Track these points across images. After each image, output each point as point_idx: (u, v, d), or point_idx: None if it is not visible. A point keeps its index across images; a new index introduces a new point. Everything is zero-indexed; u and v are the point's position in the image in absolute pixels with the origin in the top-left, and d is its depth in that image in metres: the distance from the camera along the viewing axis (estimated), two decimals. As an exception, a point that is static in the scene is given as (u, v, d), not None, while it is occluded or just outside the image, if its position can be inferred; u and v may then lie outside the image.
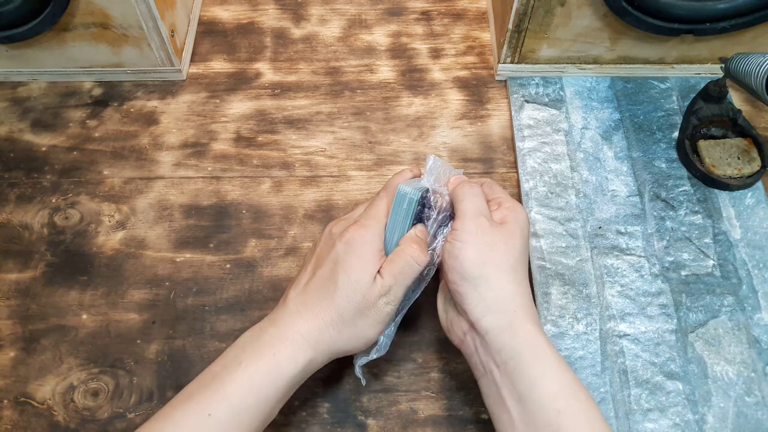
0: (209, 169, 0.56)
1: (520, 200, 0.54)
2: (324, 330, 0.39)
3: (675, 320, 0.48)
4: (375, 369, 0.47)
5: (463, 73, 0.62)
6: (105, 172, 0.56)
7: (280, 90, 0.61)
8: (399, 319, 0.43)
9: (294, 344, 0.39)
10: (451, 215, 0.44)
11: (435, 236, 0.44)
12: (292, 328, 0.39)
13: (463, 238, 0.40)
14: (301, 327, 0.39)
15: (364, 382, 0.44)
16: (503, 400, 0.37)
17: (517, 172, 0.55)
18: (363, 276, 0.40)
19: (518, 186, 0.55)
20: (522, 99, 0.59)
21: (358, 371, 0.43)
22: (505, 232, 0.40)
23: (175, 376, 0.47)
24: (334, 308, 0.40)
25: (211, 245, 0.52)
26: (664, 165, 0.55)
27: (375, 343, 0.42)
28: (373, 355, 0.43)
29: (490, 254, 0.39)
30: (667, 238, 0.51)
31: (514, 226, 0.41)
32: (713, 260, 0.50)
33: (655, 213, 0.53)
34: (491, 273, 0.39)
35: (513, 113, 0.58)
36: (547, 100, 0.59)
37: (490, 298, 0.38)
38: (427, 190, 0.44)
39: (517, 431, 0.36)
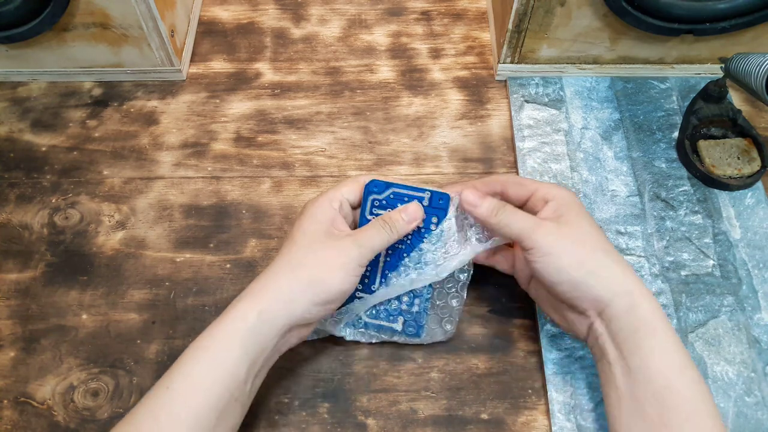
0: (209, 169, 0.56)
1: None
2: (277, 280, 0.39)
3: (675, 320, 0.48)
4: (375, 369, 0.47)
5: (463, 73, 0.62)
6: (105, 172, 0.56)
7: (280, 90, 0.61)
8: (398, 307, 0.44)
9: (243, 301, 0.39)
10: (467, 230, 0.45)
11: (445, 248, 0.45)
12: (246, 290, 0.40)
13: (546, 251, 0.39)
14: (254, 285, 0.40)
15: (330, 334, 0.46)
16: (614, 377, 0.38)
17: (517, 172, 0.55)
18: (316, 227, 0.41)
19: (518, 186, 0.55)
20: (522, 99, 0.59)
21: (326, 328, 0.45)
22: (571, 224, 0.40)
23: (175, 376, 0.47)
24: (289, 259, 0.40)
25: (211, 245, 0.52)
26: (664, 165, 0.55)
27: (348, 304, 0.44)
28: (344, 321, 0.45)
29: (579, 250, 0.39)
30: (667, 238, 0.51)
31: (572, 212, 0.41)
32: (713, 260, 0.50)
33: (655, 213, 0.53)
34: (593, 266, 0.39)
35: (513, 113, 0.58)
36: (547, 100, 0.59)
37: (606, 286, 0.38)
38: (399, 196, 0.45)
39: (623, 406, 0.37)
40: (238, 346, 0.38)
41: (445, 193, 0.44)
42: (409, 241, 0.45)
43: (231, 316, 0.38)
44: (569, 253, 0.39)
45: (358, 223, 0.45)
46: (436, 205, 0.44)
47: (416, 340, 0.46)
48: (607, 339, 0.38)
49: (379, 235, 0.41)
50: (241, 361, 0.38)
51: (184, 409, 0.36)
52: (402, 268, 0.44)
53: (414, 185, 0.45)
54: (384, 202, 0.44)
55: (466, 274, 0.45)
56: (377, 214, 0.44)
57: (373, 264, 0.45)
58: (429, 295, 0.45)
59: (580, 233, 0.40)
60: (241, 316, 0.38)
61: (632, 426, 0.36)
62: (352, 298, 0.45)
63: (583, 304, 0.39)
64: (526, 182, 0.44)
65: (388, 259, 0.45)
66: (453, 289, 0.46)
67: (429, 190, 0.44)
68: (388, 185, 0.44)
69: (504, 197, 0.45)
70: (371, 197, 0.44)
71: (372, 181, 0.44)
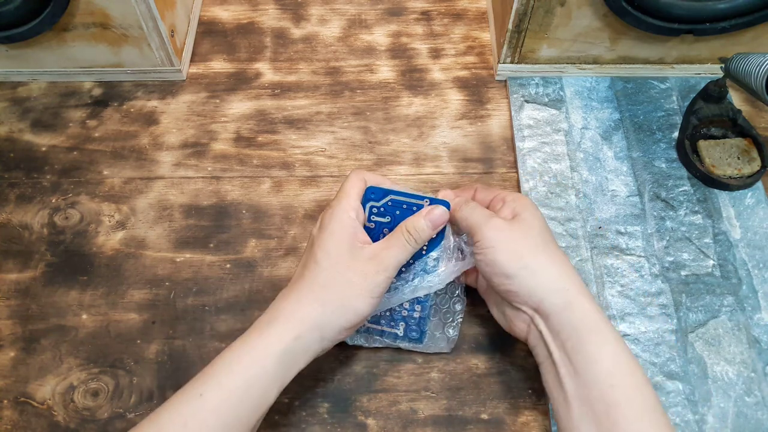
0: (209, 169, 0.56)
1: (520, 200, 0.54)
2: (308, 304, 0.39)
3: (675, 320, 0.48)
4: (375, 369, 0.47)
5: (463, 73, 0.62)
6: (105, 172, 0.56)
7: (280, 90, 0.61)
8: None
9: (278, 323, 0.39)
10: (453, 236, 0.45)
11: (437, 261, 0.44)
12: (276, 311, 0.40)
13: (488, 244, 0.40)
14: (285, 306, 0.40)
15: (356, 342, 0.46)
16: (560, 379, 0.38)
17: (517, 172, 0.55)
18: (338, 245, 0.41)
19: (518, 186, 0.55)
20: (522, 99, 0.59)
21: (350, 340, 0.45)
22: (522, 222, 0.41)
23: (175, 377, 0.47)
24: (314, 282, 0.40)
25: (211, 245, 0.52)
26: (664, 165, 0.55)
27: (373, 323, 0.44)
28: (360, 338, 0.45)
29: (520, 245, 0.40)
30: (667, 238, 0.51)
31: (526, 213, 0.42)
32: (713, 260, 0.50)
33: (655, 213, 0.53)
34: (530, 261, 0.40)
35: (513, 113, 0.58)
36: (547, 100, 0.59)
37: (540, 282, 0.39)
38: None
39: (571, 407, 0.37)
40: (273, 366, 0.38)
41: (444, 201, 0.44)
42: None
43: (268, 335, 0.39)
44: (509, 248, 0.40)
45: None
46: None
47: (418, 347, 0.46)
48: (549, 337, 0.39)
49: (404, 251, 0.42)
50: (274, 381, 0.38)
51: (213, 418, 0.36)
52: (404, 275, 0.44)
53: (411, 191, 0.44)
54: (382, 209, 0.44)
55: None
56: (377, 222, 0.44)
57: None
58: (431, 302, 0.45)
59: (527, 232, 0.41)
60: (279, 337, 0.38)
61: (582, 428, 0.36)
62: None
63: (517, 299, 0.40)
64: (492, 188, 0.46)
65: None
66: (456, 293, 0.46)
67: (427, 198, 0.44)
68: (386, 192, 0.44)
69: (475, 200, 0.46)
70: (369, 204, 0.44)
71: (369, 188, 0.44)
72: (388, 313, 0.45)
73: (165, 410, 0.37)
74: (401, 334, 0.46)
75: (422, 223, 0.42)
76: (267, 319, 0.40)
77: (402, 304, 0.45)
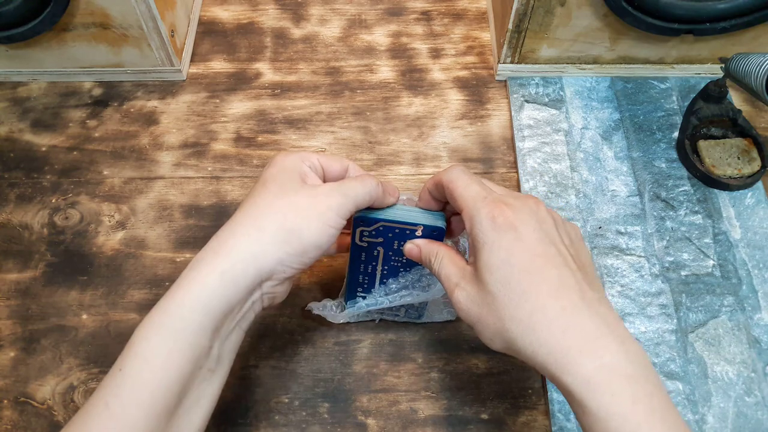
0: (209, 169, 0.56)
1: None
2: (242, 234, 0.34)
3: (675, 320, 0.48)
4: (375, 369, 0.47)
5: (463, 73, 0.62)
6: (105, 172, 0.56)
7: (280, 90, 0.61)
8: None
9: (202, 263, 0.34)
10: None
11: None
12: (202, 251, 0.35)
13: (464, 318, 0.34)
14: (211, 245, 0.35)
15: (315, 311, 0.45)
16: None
17: (517, 172, 0.55)
18: (290, 175, 0.36)
19: (518, 186, 0.55)
20: (522, 99, 0.59)
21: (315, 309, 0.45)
22: (480, 278, 0.33)
23: (175, 376, 0.47)
24: (253, 207, 0.35)
25: (211, 245, 0.52)
26: (664, 165, 0.55)
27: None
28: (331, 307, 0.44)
29: (494, 317, 0.32)
30: (667, 238, 0.51)
31: (481, 258, 0.33)
32: (713, 260, 0.50)
33: (655, 213, 0.53)
34: (508, 339, 0.32)
35: (513, 113, 0.58)
36: (547, 100, 0.59)
37: (534, 352, 0.31)
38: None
39: None
40: (198, 316, 0.33)
41: (439, 227, 0.40)
42: (405, 260, 0.42)
43: (187, 283, 0.33)
44: (486, 324, 0.33)
45: (350, 250, 0.43)
46: (430, 237, 0.41)
47: (417, 321, 0.47)
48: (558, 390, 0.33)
49: (362, 186, 0.37)
50: (202, 331, 0.33)
51: (139, 392, 0.32)
52: (401, 277, 0.43)
53: (403, 212, 0.41)
54: (373, 232, 0.41)
55: None
56: (369, 242, 0.42)
57: (371, 273, 0.44)
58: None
59: (490, 293, 0.32)
60: (200, 280, 0.33)
61: None
62: (354, 296, 0.45)
63: (519, 356, 0.33)
64: (457, 192, 0.36)
65: (385, 270, 0.43)
66: None
67: (420, 224, 0.40)
68: (376, 220, 0.40)
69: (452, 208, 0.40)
70: (359, 228, 0.41)
71: (358, 217, 0.40)
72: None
73: (91, 397, 0.33)
74: (402, 315, 0.47)
75: (386, 181, 0.39)
76: (192, 265, 0.34)
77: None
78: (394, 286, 0.44)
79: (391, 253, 0.42)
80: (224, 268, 0.34)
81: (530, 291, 0.31)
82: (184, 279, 0.34)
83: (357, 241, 0.42)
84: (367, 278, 0.44)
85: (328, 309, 0.45)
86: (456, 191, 0.36)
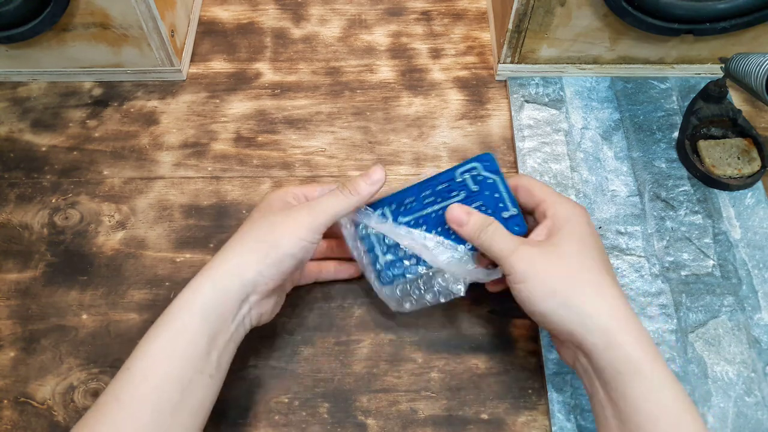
0: (209, 169, 0.56)
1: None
2: (230, 253, 0.40)
3: (675, 320, 0.48)
4: (375, 369, 0.47)
5: (463, 73, 0.62)
6: (105, 172, 0.56)
7: (280, 90, 0.61)
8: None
9: (197, 278, 0.39)
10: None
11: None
12: (199, 271, 0.40)
13: (518, 279, 0.38)
14: (207, 265, 0.40)
15: None
16: (606, 420, 0.36)
17: (517, 172, 0.55)
18: (273, 204, 0.42)
19: (518, 186, 0.55)
20: (522, 99, 0.59)
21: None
22: (557, 245, 0.38)
23: (175, 376, 0.47)
24: (240, 233, 0.41)
25: (211, 245, 0.52)
26: (664, 165, 0.55)
27: None
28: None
29: (554, 278, 0.37)
30: (667, 238, 0.51)
31: (565, 229, 0.39)
32: (713, 260, 0.50)
33: (655, 213, 0.53)
34: (566, 296, 0.36)
35: (513, 113, 0.58)
36: (547, 100, 0.59)
37: (579, 321, 0.36)
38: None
39: None
40: (196, 319, 0.38)
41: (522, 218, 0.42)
42: (439, 200, 0.44)
43: (184, 293, 0.39)
44: (542, 282, 0.37)
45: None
46: (515, 222, 0.42)
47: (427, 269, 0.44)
48: (593, 376, 0.37)
49: (336, 200, 0.42)
50: (200, 333, 0.38)
51: (145, 387, 0.36)
52: (413, 216, 0.44)
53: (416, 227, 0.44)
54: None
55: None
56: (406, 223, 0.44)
57: (407, 210, 0.45)
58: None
59: (563, 259, 0.38)
60: (195, 289, 0.39)
61: None
62: (381, 207, 0.46)
63: (560, 336, 0.38)
64: (536, 190, 0.42)
65: (420, 220, 0.44)
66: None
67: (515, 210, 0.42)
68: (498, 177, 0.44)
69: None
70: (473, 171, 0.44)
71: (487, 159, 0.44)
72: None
73: (102, 394, 0.37)
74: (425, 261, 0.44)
75: (359, 180, 0.42)
76: (192, 279, 0.40)
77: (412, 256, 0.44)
78: (417, 230, 0.44)
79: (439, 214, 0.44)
80: (215, 279, 0.39)
81: (599, 263, 0.38)
82: (185, 289, 0.39)
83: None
84: (402, 208, 0.45)
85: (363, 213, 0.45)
86: (536, 188, 0.42)
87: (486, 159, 0.44)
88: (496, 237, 0.39)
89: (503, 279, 0.41)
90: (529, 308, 0.38)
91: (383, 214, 0.46)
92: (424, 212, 0.45)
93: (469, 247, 0.42)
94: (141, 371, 0.37)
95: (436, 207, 0.45)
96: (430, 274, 0.43)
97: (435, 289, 0.43)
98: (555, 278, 0.37)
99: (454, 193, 0.44)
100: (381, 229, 0.44)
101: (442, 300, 0.43)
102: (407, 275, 0.43)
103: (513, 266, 0.38)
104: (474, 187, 0.44)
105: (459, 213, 0.41)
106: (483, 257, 0.42)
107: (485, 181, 0.44)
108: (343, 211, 0.42)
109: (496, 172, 0.44)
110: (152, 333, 0.38)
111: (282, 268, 0.40)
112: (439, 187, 0.45)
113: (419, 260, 0.43)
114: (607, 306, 0.36)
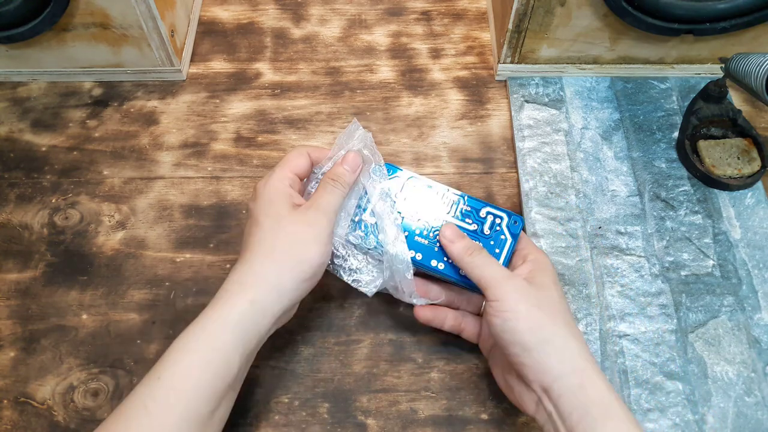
0: (209, 169, 0.56)
1: (519, 200, 0.54)
2: (261, 267, 0.39)
3: (675, 320, 0.48)
4: (375, 369, 0.47)
5: (463, 73, 0.62)
6: (105, 172, 0.56)
7: (280, 90, 0.61)
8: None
9: (232, 293, 0.39)
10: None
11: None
12: (230, 283, 0.39)
13: (509, 308, 0.38)
14: (237, 278, 0.39)
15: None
16: None
17: (517, 172, 0.55)
18: (277, 207, 0.40)
19: (518, 186, 0.55)
20: (522, 99, 0.59)
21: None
22: (542, 288, 0.39)
23: (175, 376, 0.47)
24: (262, 244, 0.40)
25: (211, 245, 0.52)
26: (664, 165, 0.55)
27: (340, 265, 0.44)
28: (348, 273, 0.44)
29: (541, 315, 0.38)
30: (667, 238, 0.51)
31: (546, 277, 0.40)
32: (713, 260, 0.50)
33: (655, 213, 0.53)
34: (550, 334, 0.37)
35: (513, 113, 0.58)
36: (547, 100, 0.59)
37: (556, 361, 0.37)
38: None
39: None
40: (231, 336, 0.37)
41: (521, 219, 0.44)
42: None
43: (220, 307, 0.38)
44: (530, 316, 0.38)
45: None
46: (511, 225, 0.44)
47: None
48: (558, 421, 0.36)
49: (333, 195, 0.42)
50: (235, 350, 0.37)
51: (174, 397, 0.36)
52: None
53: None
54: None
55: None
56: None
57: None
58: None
59: (547, 300, 0.39)
60: (232, 305, 0.38)
61: None
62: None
63: (530, 375, 0.37)
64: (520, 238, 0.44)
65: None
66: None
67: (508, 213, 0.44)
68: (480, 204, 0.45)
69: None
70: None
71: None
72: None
73: (128, 399, 0.36)
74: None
75: (341, 170, 0.43)
76: (221, 294, 0.39)
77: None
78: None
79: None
80: (254, 298, 0.38)
81: (569, 311, 0.40)
82: (217, 303, 0.39)
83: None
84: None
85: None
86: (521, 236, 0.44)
87: (515, 219, 0.44)
88: (487, 263, 0.41)
89: (433, 308, 0.44)
90: (509, 338, 0.38)
91: (387, 194, 0.45)
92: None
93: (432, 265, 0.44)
94: (171, 382, 0.36)
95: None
96: (370, 253, 0.44)
97: (356, 266, 0.44)
98: (542, 314, 0.38)
99: (468, 220, 0.44)
100: (380, 205, 0.45)
101: (349, 279, 0.44)
102: (362, 237, 0.44)
103: (505, 294, 0.38)
104: (487, 231, 0.44)
105: (454, 231, 0.43)
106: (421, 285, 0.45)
107: (499, 235, 0.44)
108: (341, 205, 0.43)
109: (514, 236, 0.44)
110: (185, 344, 0.37)
111: (315, 279, 0.41)
112: (461, 206, 0.45)
113: (377, 239, 0.44)
114: (583, 350, 0.38)
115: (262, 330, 0.39)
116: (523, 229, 0.45)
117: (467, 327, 0.45)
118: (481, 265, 0.40)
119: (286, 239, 0.40)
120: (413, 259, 0.43)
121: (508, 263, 0.44)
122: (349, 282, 0.44)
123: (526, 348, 0.37)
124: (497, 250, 0.44)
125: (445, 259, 0.44)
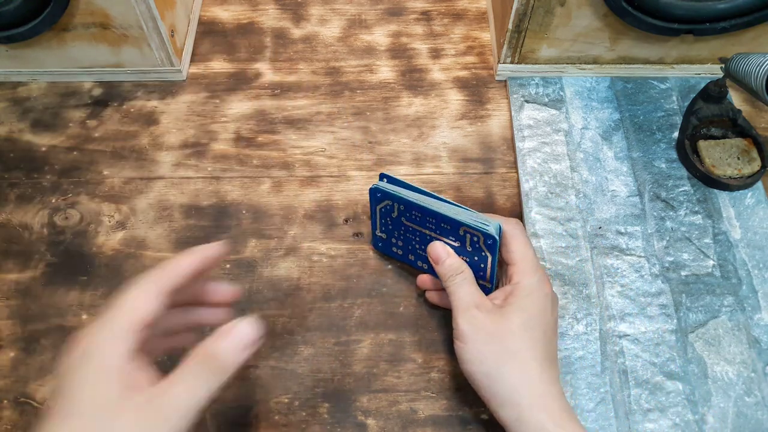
0: (209, 169, 0.56)
1: (519, 201, 0.54)
2: None
3: (675, 320, 0.48)
4: (375, 369, 0.47)
5: (463, 73, 0.62)
6: (105, 172, 0.56)
7: (280, 90, 0.61)
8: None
9: None
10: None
11: None
12: None
13: (458, 335, 0.40)
14: None
15: None
16: None
17: (516, 172, 0.55)
18: (102, 389, 0.29)
19: (518, 186, 0.55)
20: (522, 99, 0.59)
21: None
22: (502, 318, 0.40)
23: (175, 376, 0.47)
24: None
25: (211, 245, 0.52)
26: (664, 165, 0.55)
27: None
28: None
29: (487, 348, 0.39)
30: (667, 238, 0.51)
31: (521, 301, 0.40)
32: (713, 260, 0.50)
33: (655, 213, 0.53)
34: (492, 368, 0.38)
35: (513, 113, 0.58)
36: (547, 100, 0.59)
37: (496, 393, 0.38)
38: None
39: None
40: None
41: (488, 231, 0.42)
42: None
43: None
44: (477, 348, 0.39)
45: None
46: (486, 242, 0.43)
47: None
48: None
49: (201, 386, 0.30)
50: None
51: None
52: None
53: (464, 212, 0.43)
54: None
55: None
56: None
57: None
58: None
59: (503, 333, 0.39)
60: None
61: None
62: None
63: (482, 398, 0.40)
64: (513, 249, 0.42)
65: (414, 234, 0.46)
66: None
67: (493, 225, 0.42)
68: (460, 223, 0.43)
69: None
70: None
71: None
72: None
73: None
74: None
75: (231, 355, 0.31)
76: None
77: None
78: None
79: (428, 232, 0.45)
80: None
81: (539, 343, 0.39)
82: None
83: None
84: (408, 214, 0.46)
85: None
86: (514, 246, 0.43)
87: (489, 239, 0.42)
88: (461, 288, 0.41)
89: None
90: (460, 365, 0.40)
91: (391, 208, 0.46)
92: (420, 230, 0.46)
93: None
94: None
95: (430, 233, 0.45)
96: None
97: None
98: (488, 348, 0.39)
99: (451, 237, 0.44)
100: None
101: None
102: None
103: (458, 324, 0.40)
104: (468, 248, 0.44)
105: (440, 251, 0.43)
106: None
107: (480, 252, 0.43)
108: (205, 398, 0.30)
109: (494, 252, 0.43)
110: None
111: None
112: (443, 224, 0.44)
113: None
114: (527, 385, 0.38)
115: None
116: (524, 231, 0.45)
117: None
118: (455, 290, 0.42)
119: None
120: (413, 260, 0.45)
121: (495, 276, 0.44)
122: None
123: (470, 377, 0.40)
124: (482, 265, 0.44)
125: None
